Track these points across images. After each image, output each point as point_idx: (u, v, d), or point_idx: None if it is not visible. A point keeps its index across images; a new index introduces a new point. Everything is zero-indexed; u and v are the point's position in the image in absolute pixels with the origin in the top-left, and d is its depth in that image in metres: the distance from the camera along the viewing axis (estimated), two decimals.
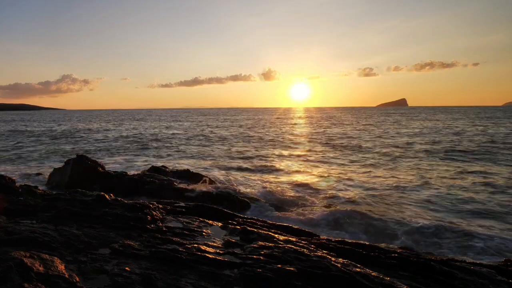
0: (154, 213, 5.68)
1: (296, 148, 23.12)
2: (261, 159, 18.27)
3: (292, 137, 30.49)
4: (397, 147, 22.05)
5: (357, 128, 40.19)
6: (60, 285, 3.10)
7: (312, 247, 4.55)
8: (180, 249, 4.20)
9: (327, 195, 10.65)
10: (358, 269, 3.72)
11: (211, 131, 39.57)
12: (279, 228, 6.10)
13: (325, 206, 9.40)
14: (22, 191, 7.01)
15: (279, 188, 11.89)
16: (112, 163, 16.93)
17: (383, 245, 6.43)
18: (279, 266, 3.69)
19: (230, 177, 13.51)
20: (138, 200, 6.98)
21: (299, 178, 13.52)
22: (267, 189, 11.89)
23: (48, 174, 12.50)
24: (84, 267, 3.63)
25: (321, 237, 6.03)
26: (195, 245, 4.39)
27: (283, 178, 13.51)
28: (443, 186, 11.37)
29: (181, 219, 5.93)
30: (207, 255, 4.07)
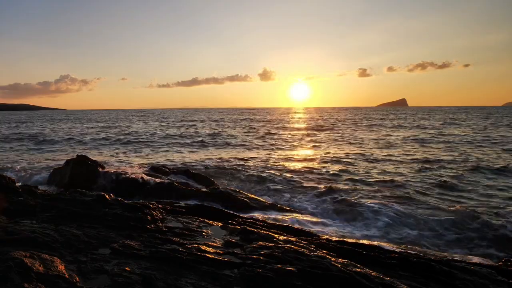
0: (154, 213, 5.68)
1: None
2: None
3: None
4: None
5: None
6: (60, 285, 3.10)
7: (312, 247, 4.55)
8: (180, 249, 4.20)
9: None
10: (358, 269, 3.72)
11: None
12: (279, 228, 6.10)
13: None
14: (22, 191, 7.00)
15: (279, 188, 11.90)
16: None
17: (383, 244, 6.45)
18: (279, 266, 3.69)
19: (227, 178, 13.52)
20: (138, 200, 6.99)
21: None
22: (267, 189, 11.90)
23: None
24: (84, 267, 3.63)
25: (321, 237, 6.04)
26: (195, 245, 4.39)
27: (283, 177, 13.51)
28: None
29: (181, 219, 5.93)
30: (207, 255, 4.07)
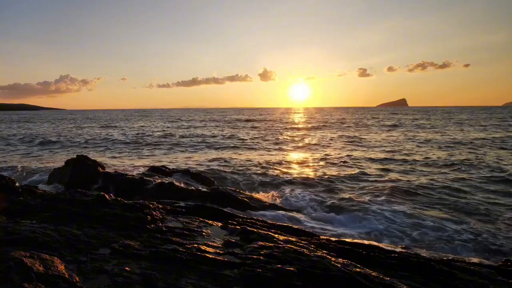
0: (154, 213, 5.68)
1: None
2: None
3: None
4: None
5: None
6: (60, 285, 3.10)
7: (312, 247, 4.55)
8: (180, 249, 4.20)
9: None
10: (358, 269, 3.72)
11: None
12: (279, 228, 6.10)
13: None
14: (22, 191, 7.00)
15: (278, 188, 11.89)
16: None
17: (383, 245, 6.45)
18: (279, 266, 3.69)
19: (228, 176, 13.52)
20: (138, 200, 6.98)
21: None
22: (267, 189, 11.91)
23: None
24: (84, 267, 3.63)
25: (321, 237, 6.03)
26: (195, 245, 4.39)
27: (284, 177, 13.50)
28: None
29: (181, 219, 5.93)
30: (207, 255, 4.07)
